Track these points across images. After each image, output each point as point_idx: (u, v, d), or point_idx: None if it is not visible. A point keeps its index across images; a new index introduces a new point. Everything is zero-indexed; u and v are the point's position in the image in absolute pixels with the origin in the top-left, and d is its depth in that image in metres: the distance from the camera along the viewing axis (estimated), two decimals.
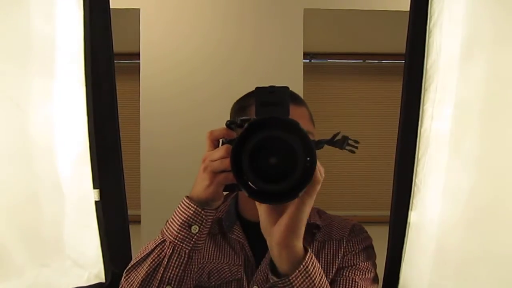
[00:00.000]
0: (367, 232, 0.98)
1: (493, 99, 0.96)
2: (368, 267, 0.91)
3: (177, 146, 2.01)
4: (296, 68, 2.06)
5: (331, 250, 0.92)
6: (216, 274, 0.89)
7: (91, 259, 1.17)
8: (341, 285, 0.86)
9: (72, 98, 1.13)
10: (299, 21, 2.06)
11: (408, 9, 1.13)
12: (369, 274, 0.91)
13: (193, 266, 0.74)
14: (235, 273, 0.88)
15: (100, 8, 1.13)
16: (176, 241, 0.71)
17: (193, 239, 0.72)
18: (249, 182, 0.54)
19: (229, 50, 2.06)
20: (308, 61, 2.95)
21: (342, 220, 0.99)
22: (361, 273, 0.89)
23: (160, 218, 1.24)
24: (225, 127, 0.70)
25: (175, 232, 0.72)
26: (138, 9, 2.02)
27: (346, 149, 0.73)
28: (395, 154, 1.17)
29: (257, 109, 0.58)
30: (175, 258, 0.72)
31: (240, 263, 0.89)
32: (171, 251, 0.72)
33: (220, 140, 0.71)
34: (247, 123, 0.54)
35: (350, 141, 0.73)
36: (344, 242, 0.93)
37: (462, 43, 1.03)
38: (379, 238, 1.25)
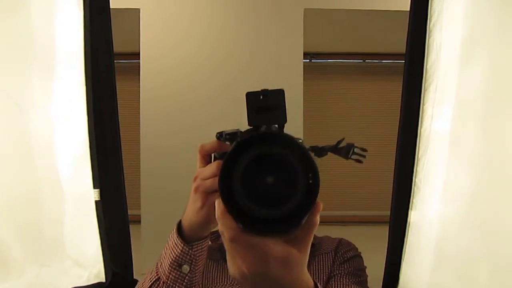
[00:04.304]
0: (354, 245, 1.02)
1: (492, 99, 0.96)
2: (358, 273, 0.95)
3: (177, 146, 2.01)
4: (296, 68, 2.06)
5: (321, 262, 0.95)
6: None
7: (91, 259, 1.17)
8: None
9: (72, 98, 1.13)
10: (299, 21, 2.06)
11: (408, 9, 1.13)
12: (360, 278, 0.94)
13: None
14: None
15: (100, 8, 1.13)
16: (168, 282, 0.68)
17: (186, 279, 0.67)
18: (243, 209, 0.44)
19: (229, 50, 2.06)
20: (308, 61, 2.95)
21: (330, 238, 1.04)
22: (352, 277, 0.92)
23: (160, 218, 1.24)
24: (216, 139, 0.62)
25: (166, 272, 0.68)
26: (138, 9, 2.02)
27: (352, 159, 0.66)
28: (395, 154, 1.16)
29: (249, 116, 0.50)
30: None
31: None
32: None
33: (212, 155, 0.64)
34: (235, 143, 0.45)
35: (356, 149, 0.65)
36: (333, 254, 0.97)
37: (462, 43, 1.03)
38: (379, 238, 1.25)
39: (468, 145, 1.00)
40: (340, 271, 0.93)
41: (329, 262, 0.95)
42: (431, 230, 1.09)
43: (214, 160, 0.63)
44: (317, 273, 0.92)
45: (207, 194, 0.61)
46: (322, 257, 0.96)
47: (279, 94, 0.51)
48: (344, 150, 0.65)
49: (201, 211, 0.62)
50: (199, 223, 0.63)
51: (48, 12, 1.08)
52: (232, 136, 0.60)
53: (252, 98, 0.51)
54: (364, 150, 0.66)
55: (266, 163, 0.45)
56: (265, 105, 0.50)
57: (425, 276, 1.09)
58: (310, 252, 0.93)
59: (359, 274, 0.95)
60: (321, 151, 0.63)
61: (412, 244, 1.15)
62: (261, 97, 0.51)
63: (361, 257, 1.00)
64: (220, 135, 0.61)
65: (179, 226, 0.68)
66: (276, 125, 0.51)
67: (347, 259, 0.96)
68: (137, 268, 1.28)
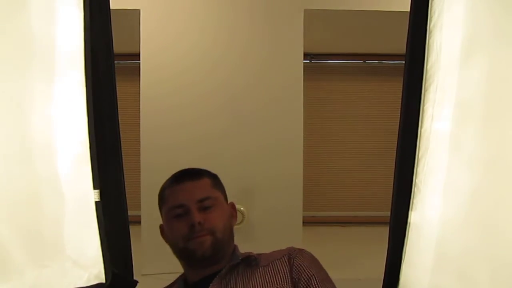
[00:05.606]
0: (305, 250, 1.13)
1: (493, 99, 0.96)
2: (327, 276, 1.07)
3: (178, 146, 2.01)
4: (296, 68, 2.06)
5: (276, 266, 1.06)
6: None
7: (91, 260, 1.17)
8: None
9: (72, 98, 1.13)
10: (299, 22, 2.06)
11: (408, 9, 1.13)
12: (331, 283, 1.06)
13: None
14: None
15: (100, 8, 1.13)
16: None
17: None
18: None
19: (229, 50, 2.06)
20: (308, 61, 2.95)
21: (278, 249, 1.13)
22: (327, 283, 1.03)
23: (160, 218, 1.24)
24: None
25: None
26: (138, 10, 2.02)
27: None
28: (395, 154, 1.16)
29: None
30: None
31: None
32: None
33: None
34: None
35: None
36: (286, 258, 1.07)
37: (463, 43, 1.03)
38: (379, 239, 1.25)
39: (469, 145, 1.00)
40: (308, 275, 1.02)
41: (286, 265, 1.05)
42: (432, 231, 1.09)
43: None
44: (274, 274, 1.04)
45: None
46: (276, 263, 1.06)
47: None
48: None
49: None
50: None
51: (48, 13, 1.08)
52: None
53: None
54: None
55: None
56: None
57: (425, 276, 1.09)
58: (263, 263, 1.08)
59: (329, 279, 1.07)
60: None
61: (412, 245, 1.15)
62: None
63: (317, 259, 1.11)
64: None
65: None
66: None
67: (310, 263, 1.06)
68: (137, 269, 1.28)
